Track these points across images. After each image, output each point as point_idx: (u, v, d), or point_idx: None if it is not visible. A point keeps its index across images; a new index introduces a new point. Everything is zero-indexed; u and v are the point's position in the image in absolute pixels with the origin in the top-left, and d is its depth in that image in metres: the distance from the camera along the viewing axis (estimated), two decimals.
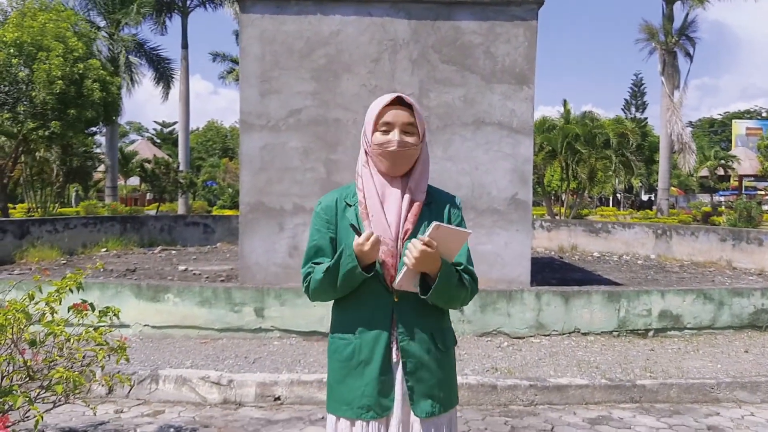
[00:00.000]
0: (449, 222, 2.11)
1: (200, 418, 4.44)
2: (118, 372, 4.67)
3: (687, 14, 30.91)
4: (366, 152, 2.08)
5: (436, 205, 2.13)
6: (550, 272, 12.05)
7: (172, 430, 4.16)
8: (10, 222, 13.60)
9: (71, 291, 2.72)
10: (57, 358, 2.58)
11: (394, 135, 2.00)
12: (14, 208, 28.47)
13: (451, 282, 1.97)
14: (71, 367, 2.60)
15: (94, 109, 16.23)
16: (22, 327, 2.44)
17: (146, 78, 29.68)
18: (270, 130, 8.10)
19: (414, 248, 1.87)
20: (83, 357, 2.65)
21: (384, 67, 8.17)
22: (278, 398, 4.70)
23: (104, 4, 27.21)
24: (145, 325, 6.28)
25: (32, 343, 2.48)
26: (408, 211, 2.03)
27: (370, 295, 2.02)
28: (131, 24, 27.92)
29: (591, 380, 5.00)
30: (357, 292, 2.02)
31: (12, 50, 15.64)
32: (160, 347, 5.80)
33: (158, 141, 64.20)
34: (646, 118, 55.65)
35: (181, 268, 11.47)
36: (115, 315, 2.80)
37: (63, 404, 2.70)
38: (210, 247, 16.19)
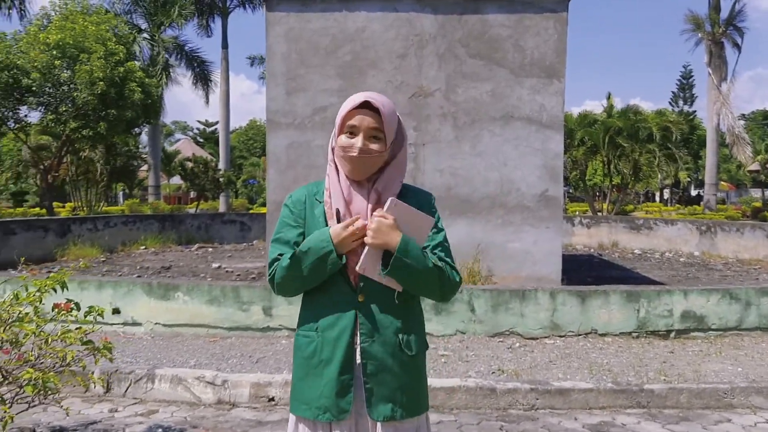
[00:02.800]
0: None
1: (192, 418, 4.38)
2: (116, 370, 4.71)
3: (734, 4, 29.92)
4: (334, 152, 2.02)
5: (410, 203, 2.03)
6: (587, 270, 11.78)
7: (160, 430, 4.11)
8: (53, 220, 13.96)
9: (54, 290, 2.72)
10: (31, 358, 2.58)
11: (358, 141, 1.93)
12: (63, 206, 29.31)
13: (413, 255, 1.88)
14: (53, 367, 2.60)
15: (134, 110, 16.55)
16: None
17: (187, 79, 30.14)
18: (296, 129, 8.10)
19: (371, 223, 1.86)
20: (64, 357, 2.65)
21: (410, 63, 8.08)
22: (272, 399, 4.62)
23: (146, 7, 27.75)
24: (156, 323, 6.32)
25: (13, 343, 2.49)
26: (374, 209, 1.96)
27: (335, 294, 1.97)
28: (177, 25, 28.39)
29: (597, 384, 4.76)
30: (322, 288, 1.98)
31: (55, 52, 16.06)
32: (168, 345, 5.81)
33: (201, 140, 65.33)
34: (694, 111, 54.04)
35: (215, 265, 11.59)
36: (99, 314, 2.79)
37: (36, 405, 2.70)
38: (246, 245, 16.34)
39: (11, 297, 2.62)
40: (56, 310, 2.67)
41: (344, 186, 1.99)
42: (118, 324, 6.29)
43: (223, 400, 4.64)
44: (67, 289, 2.77)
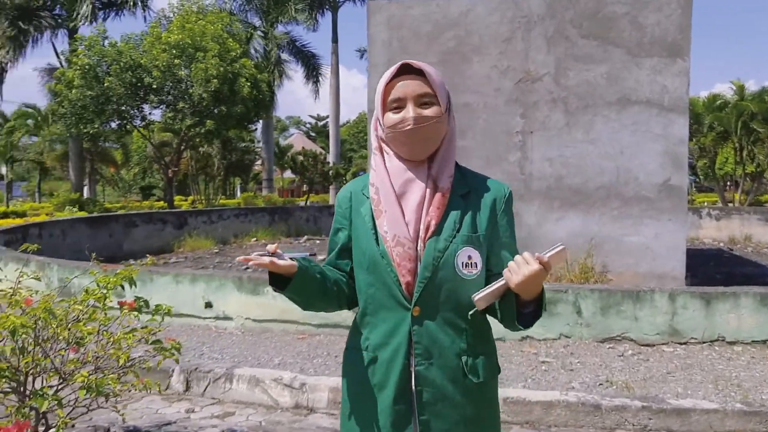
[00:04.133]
0: (495, 220, 1.71)
1: (267, 423, 4.18)
2: (196, 369, 4.61)
3: None
4: (380, 139, 1.73)
5: (476, 197, 1.71)
6: (715, 266, 10.83)
7: None
8: (171, 213, 14.64)
9: (122, 287, 2.64)
10: (89, 359, 2.51)
11: (409, 110, 1.62)
12: (185, 200, 30.93)
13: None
14: (115, 368, 2.51)
15: (244, 105, 17.03)
16: (50, 326, 2.39)
17: (299, 74, 30.89)
18: None
19: (525, 265, 1.48)
20: (128, 357, 2.55)
21: (516, 47, 7.64)
22: None
23: (260, 5, 28.60)
24: (246, 318, 6.24)
25: (72, 343, 2.43)
26: (431, 204, 1.65)
27: (386, 304, 1.66)
28: (293, 21, 29.10)
29: (723, 403, 4.09)
30: (371, 294, 1.68)
31: (174, 51, 16.81)
32: (257, 341, 5.71)
33: (313, 134, 66.95)
34: None
35: (320, 258, 11.65)
36: (167, 313, 2.68)
37: (96, 409, 2.62)
38: None
39: (83, 293, 2.57)
40: (121, 308, 2.59)
41: (394, 174, 1.68)
42: (211, 318, 6.30)
43: (301, 404, 4.40)
44: (135, 286, 2.69)
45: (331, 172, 23.88)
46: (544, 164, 7.56)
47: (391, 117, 1.65)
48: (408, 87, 1.63)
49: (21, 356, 2.36)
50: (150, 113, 18.69)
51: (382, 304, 1.66)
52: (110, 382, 2.43)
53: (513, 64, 7.65)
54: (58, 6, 24.50)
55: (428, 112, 1.63)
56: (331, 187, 27.65)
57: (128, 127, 19.44)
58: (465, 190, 1.71)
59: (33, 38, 24.75)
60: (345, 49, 76.59)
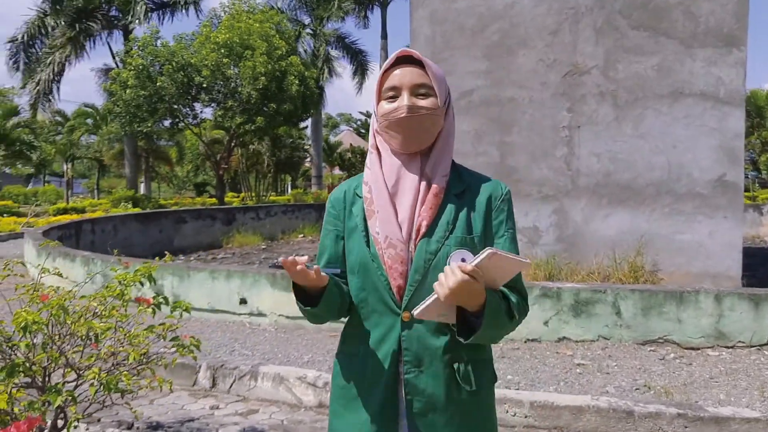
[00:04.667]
0: (490, 221, 1.61)
1: (288, 422, 4.12)
2: (222, 365, 4.58)
3: None
4: (376, 134, 1.65)
5: (471, 196, 1.61)
6: None
7: None
8: (220, 210, 14.87)
9: (141, 283, 2.65)
10: (102, 356, 2.51)
11: (403, 98, 1.55)
12: (237, 196, 31.43)
13: (499, 320, 1.46)
14: (135, 364, 2.51)
15: (292, 103, 17.16)
16: (66, 322, 2.41)
17: (348, 70, 31.02)
18: None
19: (451, 276, 1.36)
20: (146, 353, 2.56)
21: (563, 39, 7.44)
22: None
23: (309, 2, 28.81)
24: (279, 315, 6.21)
25: (86, 339, 2.44)
26: (423, 203, 1.57)
27: (376, 308, 1.57)
28: (333, 19, 29.30)
29: (766, 412, 3.80)
30: (362, 299, 1.59)
31: (223, 50, 17.07)
32: (289, 338, 5.67)
33: (363, 131, 67.11)
34: None
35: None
36: (185, 310, 2.67)
37: (110, 405, 2.63)
38: None
39: (103, 289, 2.59)
40: (139, 304, 2.60)
41: (389, 172, 1.59)
42: (245, 314, 6.31)
43: (324, 403, 4.29)
44: (155, 283, 2.70)
45: None
46: (592, 160, 7.35)
47: (385, 106, 1.58)
48: (405, 76, 1.56)
49: (37, 352, 2.40)
50: (201, 111, 19.08)
51: (372, 308, 1.58)
52: (123, 379, 2.45)
53: (560, 57, 7.45)
54: (114, 7, 25.19)
55: (423, 102, 1.56)
56: None
57: (180, 125, 19.87)
58: (460, 189, 1.61)
59: (91, 39, 25.54)
60: (396, 45, 76.72)
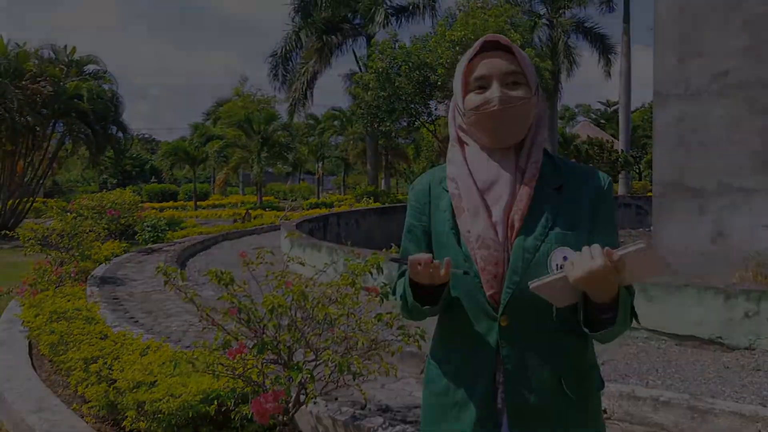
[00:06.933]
0: (593, 216, 1.43)
1: None
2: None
3: None
4: (459, 128, 1.51)
5: (571, 189, 1.44)
6: None
7: None
8: None
9: (370, 273, 2.76)
10: (337, 340, 2.66)
11: (494, 90, 1.39)
12: None
13: (627, 318, 1.33)
14: (365, 348, 2.66)
15: None
16: (305, 306, 2.61)
17: (586, 60, 29.74)
18: (688, 99, 7.08)
19: (589, 260, 1.23)
20: (374, 340, 2.71)
21: None
22: (604, 411, 3.93)
23: None
24: None
25: (324, 322, 2.62)
26: (519, 199, 1.42)
27: (472, 312, 1.44)
28: (573, 6, 28.33)
29: None
30: (456, 303, 1.46)
31: (458, 48, 17.39)
32: None
33: (602, 121, 63.89)
34: None
35: None
36: None
37: (342, 386, 2.78)
38: (643, 230, 15.23)
39: (341, 277, 2.80)
40: (368, 293, 2.75)
41: (477, 168, 1.46)
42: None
43: None
44: (382, 272, 2.80)
45: (619, 161, 22.57)
46: None
47: (473, 98, 1.44)
48: (494, 64, 1.42)
49: (282, 332, 2.67)
50: (435, 108, 19.67)
51: (465, 312, 1.46)
52: (354, 363, 2.61)
53: None
54: (358, 16, 27.03)
55: (516, 92, 1.41)
56: (619, 176, 26.20)
57: (416, 123, 20.68)
58: (558, 182, 1.45)
59: (337, 47, 27.72)
60: (639, 28, 71.62)
